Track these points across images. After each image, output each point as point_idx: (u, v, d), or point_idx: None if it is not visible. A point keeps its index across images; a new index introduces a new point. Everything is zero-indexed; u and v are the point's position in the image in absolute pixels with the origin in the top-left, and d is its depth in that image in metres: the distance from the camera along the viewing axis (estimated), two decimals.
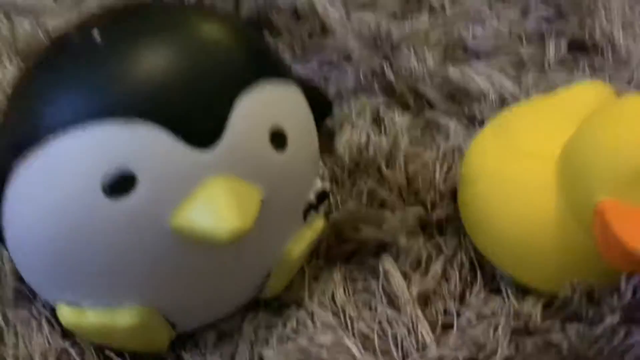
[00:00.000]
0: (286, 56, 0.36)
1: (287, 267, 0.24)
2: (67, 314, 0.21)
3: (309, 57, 0.35)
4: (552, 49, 0.39)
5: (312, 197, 0.24)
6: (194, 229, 0.19)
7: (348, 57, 0.35)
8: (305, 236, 0.24)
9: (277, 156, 0.21)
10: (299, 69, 0.35)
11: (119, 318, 0.21)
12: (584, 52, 0.39)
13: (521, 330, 0.22)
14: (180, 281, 0.21)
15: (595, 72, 0.38)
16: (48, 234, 0.20)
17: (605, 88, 0.27)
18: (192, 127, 0.19)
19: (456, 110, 0.34)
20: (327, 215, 0.26)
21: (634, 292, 0.21)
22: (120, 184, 0.19)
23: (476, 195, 0.25)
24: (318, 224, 0.24)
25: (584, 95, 0.26)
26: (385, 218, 0.25)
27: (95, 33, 0.20)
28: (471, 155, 0.26)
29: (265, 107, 0.21)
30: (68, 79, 0.20)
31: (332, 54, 0.35)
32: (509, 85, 0.36)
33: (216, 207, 0.19)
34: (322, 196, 0.24)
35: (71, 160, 0.19)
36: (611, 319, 0.20)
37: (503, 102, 0.35)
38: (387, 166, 0.29)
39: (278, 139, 0.21)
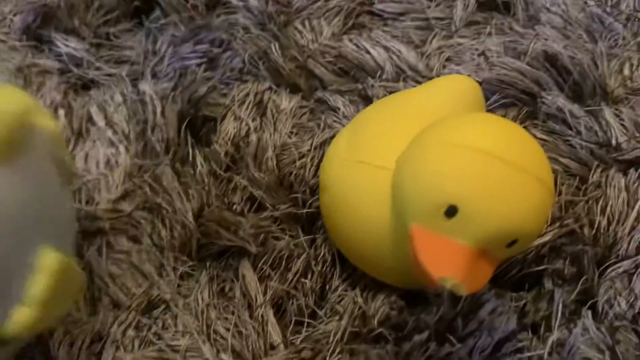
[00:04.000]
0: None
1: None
2: None
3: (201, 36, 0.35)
4: (460, 9, 0.37)
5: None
6: None
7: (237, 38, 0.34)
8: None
9: None
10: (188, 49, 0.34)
11: None
12: (496, 11, 0.38)
13: (356, 337, 0.24)
14: None
15: (504, 33, 0.37)
16: None
17: (470, 86, 0.26)
18: None
19: (349, 88, 0.34)
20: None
21: (454, 305, 0.23)
22: None
23: (325, 201, 0.26)
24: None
25: (441, 96, 0.26)
26: (240, 224, 0.26)
27: None
28: (326, 160, 0.27)
29: None
30: None
31: (222, 34, 0.34)
32: (408, 55, 0.35)
33: None
34: None
35: None
36: (419, 337, 0.21)
37: (399, 76, 0.34)
38: (258, 163, 0.29)
39: None
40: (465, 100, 0.26)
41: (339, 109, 0.33)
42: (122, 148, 0.32)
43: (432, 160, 0.20)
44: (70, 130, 0.34)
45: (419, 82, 0.34)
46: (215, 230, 0.27)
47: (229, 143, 0.30)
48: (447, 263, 0.20)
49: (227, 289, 0.27)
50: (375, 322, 0.24)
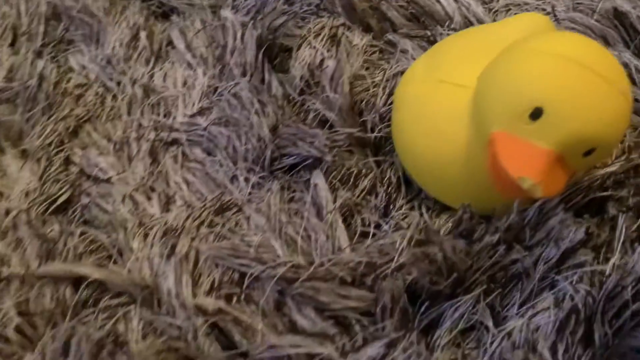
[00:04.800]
0: None
1: None
2: None
3: None
4: None
5: None
6: None
7: None
8: None
9: None
10: None
11: None
12: None
13: (423, 243, 0.25)
14: None
15: None
16: None
17: (544, 22, 0.28)
18: None
19: (418, 33, 0.35)
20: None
21: (525, 215, 0.24)
22: None
23: (400, 120, 0.27)
24: None
25: (517, 28, 0.27)
26: (317, 135, 0.28)
27: None
28: (402, 82, 0.28)
29: None
30: None
31: None
32: (477, 9, 0.36)
33: None
34: None
35: None
36: (490, 238, 0.22)
37: (467, 27, 0.36)
38: (333, 88, 0.30)
39: None
40: (541, 32, 0.27)
41: (407, 51, 0.34)
42: (199, 71, 0.34)
43: (522, 65, 0.22)
44: (150, 51, 0.36)
45: None
46: (292, 142, 0.28)
47: (305, 68, 0.32)
48: (526, 163, 0.21)
49: (297, 197, 0.29)
50: (441, 234, 0.25)
